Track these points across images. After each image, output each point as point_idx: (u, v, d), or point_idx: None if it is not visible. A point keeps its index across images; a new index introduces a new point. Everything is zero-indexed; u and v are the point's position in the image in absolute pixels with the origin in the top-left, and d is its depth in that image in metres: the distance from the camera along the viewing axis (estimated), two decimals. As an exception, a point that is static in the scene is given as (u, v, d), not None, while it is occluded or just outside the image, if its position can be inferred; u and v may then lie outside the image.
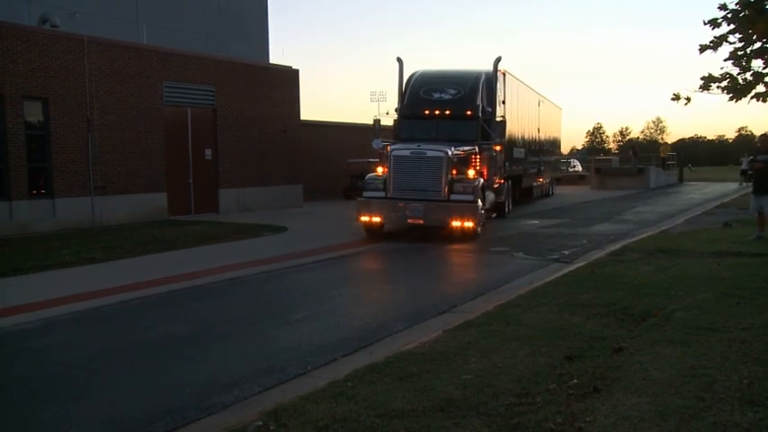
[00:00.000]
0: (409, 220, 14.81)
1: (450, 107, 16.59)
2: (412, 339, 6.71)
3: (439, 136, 15.97)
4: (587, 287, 8.77)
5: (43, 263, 11.93)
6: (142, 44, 21.47)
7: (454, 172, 14.89)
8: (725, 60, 8.87)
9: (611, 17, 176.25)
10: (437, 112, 16.61)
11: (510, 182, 21.45)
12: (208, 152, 21.86)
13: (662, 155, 48.57)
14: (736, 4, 8.41)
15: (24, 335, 7.60)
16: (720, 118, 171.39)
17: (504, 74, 20.18)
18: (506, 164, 20.26)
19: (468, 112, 16.43)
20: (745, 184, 40.34)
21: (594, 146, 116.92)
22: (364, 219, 15.12)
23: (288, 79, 25.35)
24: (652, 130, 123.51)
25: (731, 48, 8.76)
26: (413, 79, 17.81)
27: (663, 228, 16.54)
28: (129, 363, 6.50)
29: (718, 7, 8.54)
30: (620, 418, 4.36)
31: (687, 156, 56.78)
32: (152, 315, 8.57)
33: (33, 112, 17.06)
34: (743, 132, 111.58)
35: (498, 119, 17.78)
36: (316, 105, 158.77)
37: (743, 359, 5.44)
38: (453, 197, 14.58)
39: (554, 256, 12.52)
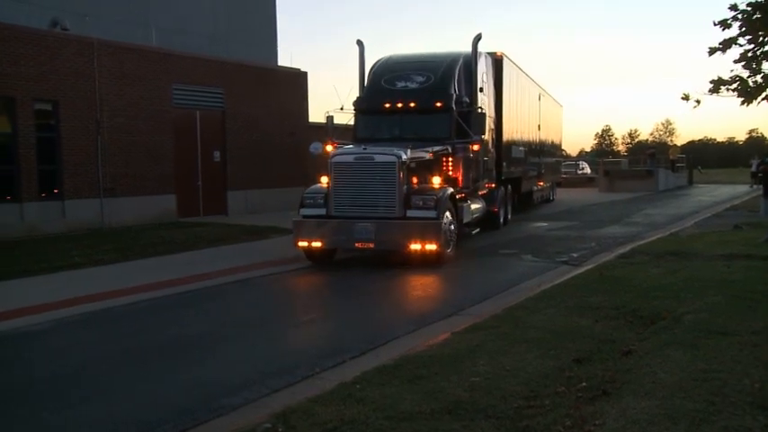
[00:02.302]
0: (357, 244, 11.67)
1: (416, 98, 13.54)
2: (420, 342, 6.71)
3: (404, 134, 13.31)
4: (596, 290, 8.73)
5: (53, 264, 12.00)
6: (151, 47, 21.56)
7: (415, 180, 12.05)
8: (735, 62, 8.83)
9: (620, 18, 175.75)
10: (400, 105, 13.56)
11: (508, 186, 18.96)
12: (216, 154, 21.95)
13: (671, 157, 48.35)
14: (747, 5, 8.38)
15: (35, 336, 7.65)
16: (731, 120, 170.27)
17: (501, 57, 17.85)
18: (504, 164, 17.77)
19: (439, 104, 13.38)
20: (755, 186, 40.13)
21: (603, 148, 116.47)
22: (302, 244, 11.99)
23: (296, 82, 25.42)
24: (661, 133, 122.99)
25: (741, 50, 8.72)
26: (376, 66, 14.90)
27: (672, 230, 16.46)
28: (139, 364, 6.53)
29: (729, 8, 8.51)
30: (629, 422, 4.34)
31: (697, 158, 56.51)
32: (162, 316, 8.61)
33: (44, 115, 17.17)
34: (753, 134, 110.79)
35: (481, 110, 14.24)
36: (324, 108, 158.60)
37: (754, 363, 5.40)
38: (410, 213, 11.49)
39: (562, 259, 12.48)
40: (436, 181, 12.19)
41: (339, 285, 10.72)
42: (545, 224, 19.22)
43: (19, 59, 16.35)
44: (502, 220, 17.79)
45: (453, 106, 13.37)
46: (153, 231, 16.97)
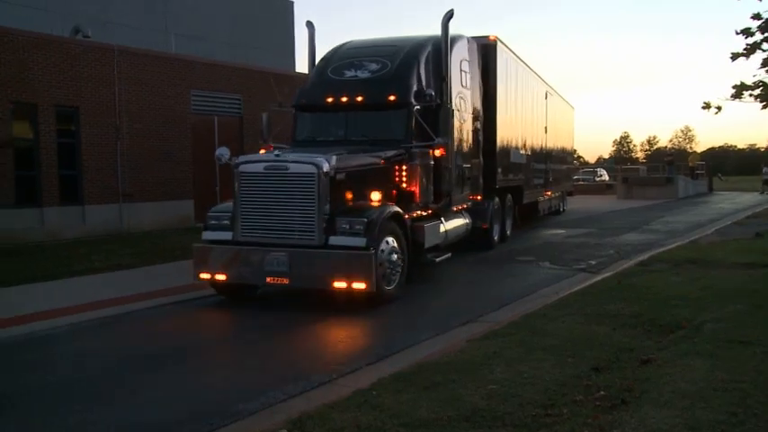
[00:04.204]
0: (268, 279, 8.99)
1: (364, 91, 10.88)
2: (437, 348, 6.69)
3: (350, 136, 10.88)
4: (614, 297, 8.66)
5: (72, 268, 12.14)
6: (170, 53, 21.79)
7: (349, 196, 9.39)
8: (759, 68, 8.76)
9: (639, 23, 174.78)
10: (344, 100, 10.94)
11: (507, 197, 16.35)
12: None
13: (690, 164, 47.92)
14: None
15: (54, 339, 7.73)
16: (752, 126, 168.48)
17: (494, 42, 14.82)
18: (498, 171, 15.06)
19: (392, 98, 10.68)
20: (766, 193, 39.72)
21: (621, 155, 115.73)
22: (204, 276, 9.35)
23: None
24: (680, 139, 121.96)
25: (765, 55, 8.65)
26: (328, 53, 12.29)
27: (692, 238, 16.28)
28: (158, 368, 6.56)
29: (752, 17, 8.44)
30: (648, 432, 4.29)
31: (717, 165, 55.99)
32: (182, 320, 8.64)
33: (64, 121, 17.39)
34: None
35: (448, 106, 11.38)
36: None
37: (776, 373, 5.33)
38: (334, 240, 8.78)
39: (580, 266, 12.39)
40: (375, 197, 9.35)
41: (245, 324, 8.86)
42: (562, 231, 19.10)
43: (41, 66, 16.58)
44: (497, 236, 15.18)
45: (412, 100, 10.66)
46: (171, 236, 17.09)
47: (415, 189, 10.31)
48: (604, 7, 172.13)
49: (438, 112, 10.99)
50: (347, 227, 8.77)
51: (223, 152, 10.00)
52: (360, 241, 8.66)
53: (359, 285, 8.52)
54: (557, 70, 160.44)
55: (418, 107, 10.69)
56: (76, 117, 17.48)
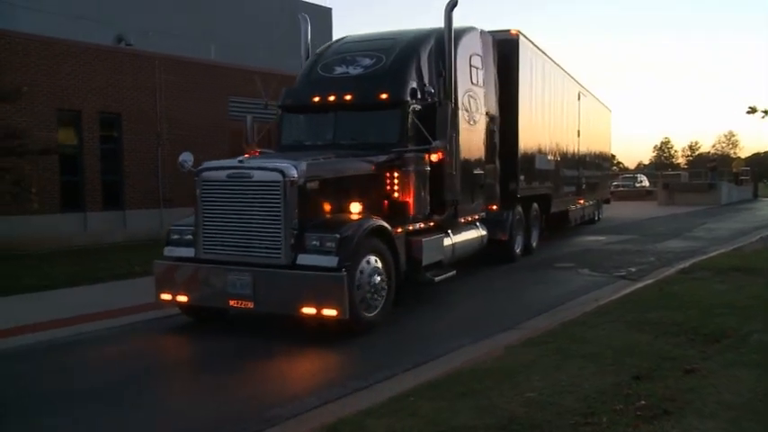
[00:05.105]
0: (231, 302, 7.86)
1: (353, 89, 9.78)
2: (474, 356, 6.62)
3: (339, 139, 9.76)
4: (656, 305, 8.47)
5: (115, 272, 12.43)
6: (209, 60, 22.17)
7: (326, 208, 8.21)
8: None
9: (680, 22, 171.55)
10: (332, 99, 9.83)
11: (533, 206, 15.11)
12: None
13: (734, 170, 46.84)
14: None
15: (91, 342, 7.91)
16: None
17: (516, 37, 13.63)
18: (520, 179, 13.81)
19: (384, 95, 9.49)
20: None
21: (662, 160, 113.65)
22: (165, 297, 8.33)
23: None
24: (723, 145, 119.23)
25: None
26: (322, 48, 11.26)
27: (736, 245, 15.88)
28: (194, 372, 6.64)
29: None
30: (692, 443, 4.18)
31: (762, 171, 54.59)
32: (219, 325, 8.72)
33: (107, 127, 17.81)
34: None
35: (446, 104, 9.86)
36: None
37: (827, 385, 5.14)
38: (302, 260, 7.61)
39: (620, 273, 12.17)
40: (355, 209, 8.13)
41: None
42: (602, 238, 18.82)
43: (86, 74, 17.04)
44: (519, 249, 14.02)
45: (408, 98, 9.43)
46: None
47: (409, 199, 9.07)
48: (643, 4, 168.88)
49: (442, 112, 9.58)
50: (317, 243, 7.58)
51: (186, 158, 8.81)
52: (330, 261, 7.43)
53: (329, 312, 7.31)
54: (591, 70, 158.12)
55: (417, 107, 9.51)
56: (119, 123, 17.92)
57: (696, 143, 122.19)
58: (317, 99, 9.94)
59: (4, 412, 5.50)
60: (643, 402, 4.93)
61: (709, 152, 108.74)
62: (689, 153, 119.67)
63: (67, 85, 16.68)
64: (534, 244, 15.19)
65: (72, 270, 12.68)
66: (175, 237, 8.57)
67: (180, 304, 8.40)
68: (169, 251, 8.54)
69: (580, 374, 5.67)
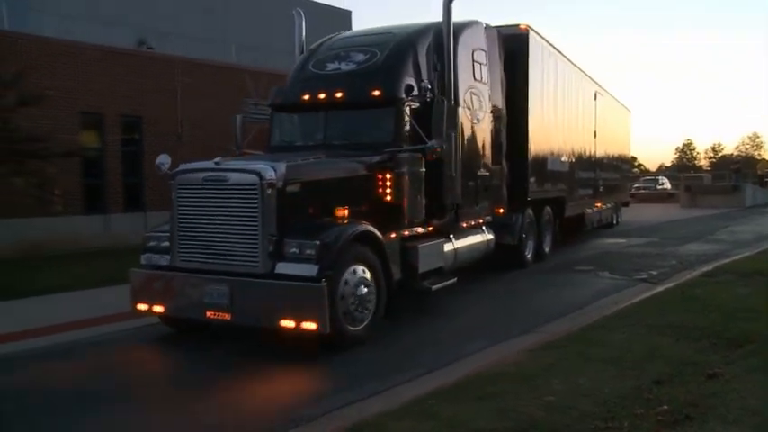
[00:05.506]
0: (208, 314, 7.35)
1: (345, 85, 9.25)
2: (492, 359, 6.60)
3: (330, 140, 9.26)
4: (677, 309, 8.39)
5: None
6: (229, 63, 22.35)
7: (310, 212, 7.71)
8: None
9: (702, 20, 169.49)
10: (322, 97, 9.33)
11: (545, 209, 14.51)
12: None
13: (760, 172, 46.26)
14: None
15: (115, 343, 8.03)
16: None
17: (526, 32, 13.01)
18: (531, 181, 13.20)
19: (376, 92, 8.96)
20: None
21: (684, 162, 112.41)
22: (142, 307, 7.92)
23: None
24: (748, 146, 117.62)
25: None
26: (316, 44, 10.76)
27: (760, 248, 15.66)
28: (216, 372, 6.69)
29: None
30: (715, 449, 4.13)
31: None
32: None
33: (128, 130, 18.03)
34: None
35: (443, 101, 9.10)
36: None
37: None
38: (281, 268, 7.09)
39: (641, 276, 12.05)
40: (340, 212, 7.60)
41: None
42: (623, 240, 18.66)
43: (108, 77, 17.25)
44: (530, 254, 13.40)
45: (402, 95, 8.84)
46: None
47: (403, 202, 8.55)
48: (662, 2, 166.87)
49: (441, 111, 8.89)
50: (296, 251, 7.04)
51: (163, 160, 8.36)
52: (310, 269, 6.90)
53: (308, 325, 6.79)
54: (610, 70, 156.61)
55: (413, 104, 9.00)
56: (139, 126, 18.13)
57: (719, 145, 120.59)
58: (306, 97, 9.46)
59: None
60: (664, 407, 4.89)
61: (732, 154, 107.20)
62: (712, 155, 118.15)
63: (91, 89, 16.90)
64: (547, 249, 14.62)
65: (103, 270, 12.77)
66: (152, 243, 8.15)
67: (156, 315, 8.00)
68: (146, 258, 8.10)
69: (600, 378, 5.63)
